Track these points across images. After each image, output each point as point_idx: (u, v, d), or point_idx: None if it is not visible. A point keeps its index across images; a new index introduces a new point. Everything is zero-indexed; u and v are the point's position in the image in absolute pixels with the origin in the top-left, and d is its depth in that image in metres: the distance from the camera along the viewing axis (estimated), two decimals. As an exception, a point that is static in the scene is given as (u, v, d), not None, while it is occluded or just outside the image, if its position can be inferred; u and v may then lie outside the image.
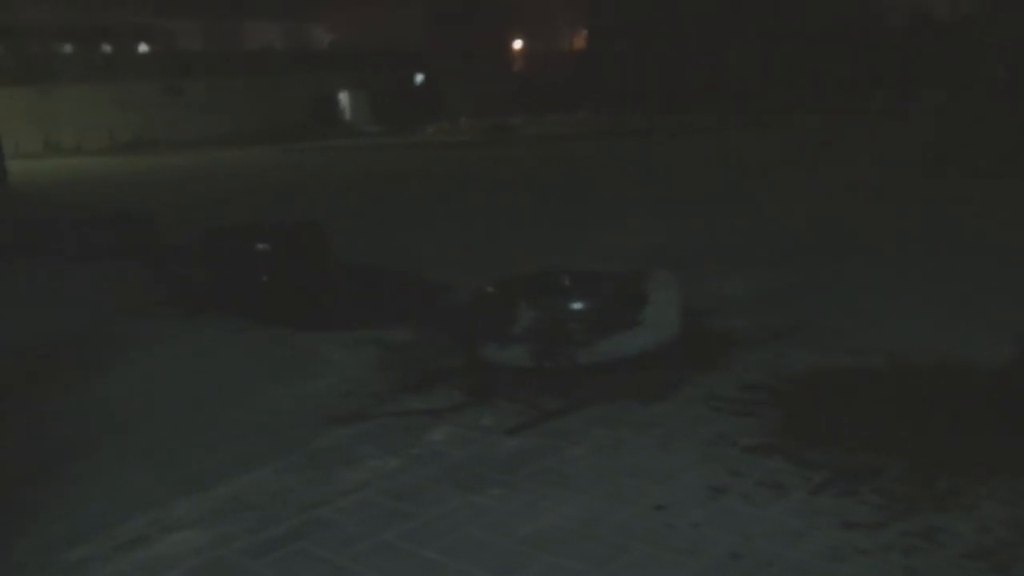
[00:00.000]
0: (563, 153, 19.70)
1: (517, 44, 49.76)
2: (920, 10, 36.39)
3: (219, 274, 6.39)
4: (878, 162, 13.58)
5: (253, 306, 5.94)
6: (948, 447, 3.28)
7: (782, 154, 16.57)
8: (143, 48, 41.10)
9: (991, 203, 8.84)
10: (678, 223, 8.78)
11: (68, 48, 37.98)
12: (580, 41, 49.13)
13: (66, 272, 8.07)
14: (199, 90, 35.57)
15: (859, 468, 3.16)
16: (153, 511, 3.20)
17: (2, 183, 15.23)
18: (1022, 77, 29.13)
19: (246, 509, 3.16)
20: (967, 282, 5.80)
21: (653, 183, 13.05)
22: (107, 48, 38.91)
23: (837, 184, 11.22)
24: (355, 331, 5.32)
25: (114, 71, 35.68)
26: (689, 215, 9.32)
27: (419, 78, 38.38)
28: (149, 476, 3.55)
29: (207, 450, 3.75)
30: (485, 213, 10.66)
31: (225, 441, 3.84)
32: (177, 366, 5.15)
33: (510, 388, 4.18)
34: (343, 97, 36.94)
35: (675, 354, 4.52)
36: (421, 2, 45.04)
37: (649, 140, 21.47)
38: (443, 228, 9.55)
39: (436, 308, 5.78)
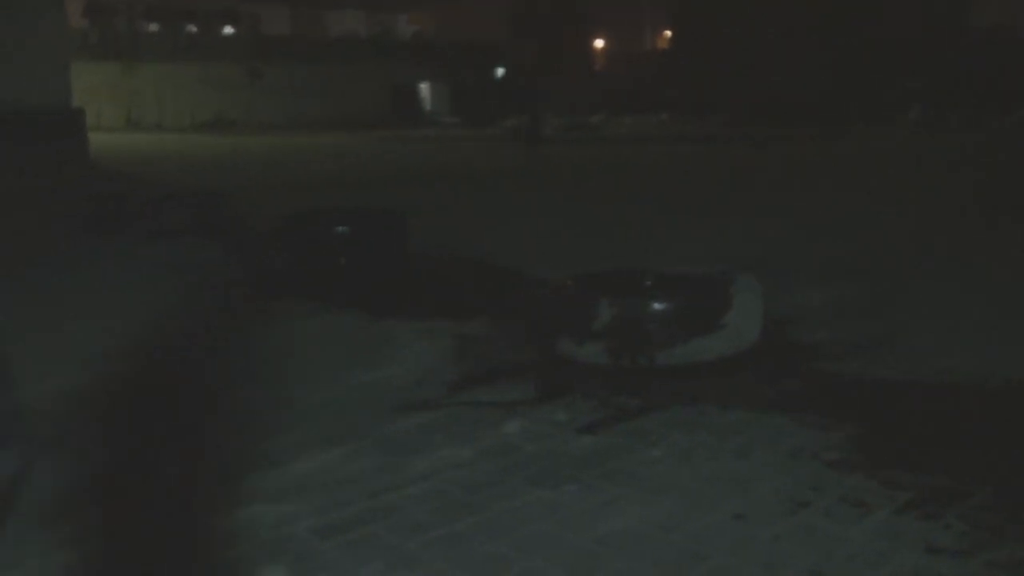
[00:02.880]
0: (641, 154, 19.56)
1: (599, 43, 49.58)
2: (1005, 21, 35.54)
3: (296, 257, 6.42)
4: (961, 177, 13.24)
5: (329, 290, 5.96)
6: (1038, 476, 3.14)
7: (866, 166, 16.25)
8: (228, 30, 41.73)
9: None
10: (756, 230, 8.62)
11: (154, 27, 38.71)
12: (663, 42, 48.79)
13: (144, 249, 8.17)
14: (281, 74, 36.00)
15: (944, 491, 3.03)
16: (224, 484, 3.20)
17: (84, 156, 15.52)
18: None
19: (315, 489, 3.13)
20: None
21: (732, 189, 12.87)
22: (192, 29, 39.57)
23: (923, 198, 10.94)
24: (430, 320, 5.30)
25: (198, 51, 36.27)
26: (767, 223, 9.16)
27: (500, 72, 38.40)
28: (221, 449, 3.55)
29: (278, 429, 3.75)
30: (562, 209, 10.60)
31: (296, 421, 3.83)
32: (250, 345, 5.17)
33: (586, 385, 4.11)
34: (423, 88, 37.13)
35: (756, 361, 4.41)
36: (507, -1, 45.15)
37: (728, 146, 21.21)
38: (521, 222, 9.50)
39: (513, 301, 5.73)
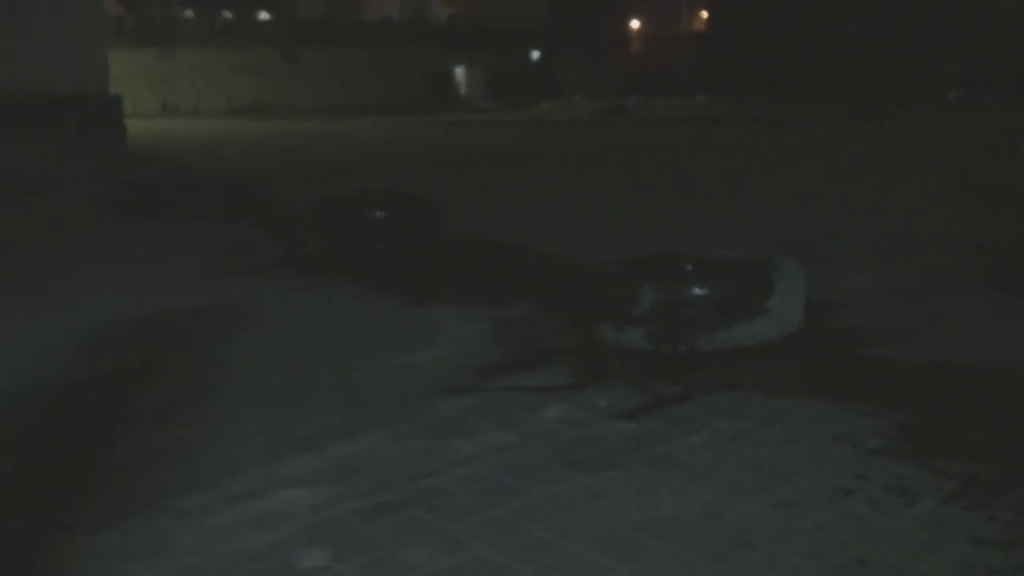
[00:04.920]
0: (679, 137, 19.43)
1: (635, 24, 49.24)
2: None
3: (334, 240, 6.44)
4: (1007, 160, 13.03)
5: (367, 274, 5.97)
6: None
7: (910, 149, 16.05)
8: (264, 16, 41.87)
9: None
10: (796, 213, 8.55)
11: (189, 13, 38.90)
12: (700, 23, 48.39)
13: (181, 232, 8.22)
14: (316, 59, 36.07)
15: (990, 480, 2.99)
16: (265, 466, 3.22)
17: (121, 142, 15.64)
18: None
19: (358, 472, 3.14)
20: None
21: (771, 171, 12.75)
22: (228, 14, 39.73)
23: (970, 182, 10.79)
24: (470, 304, 5.30)
25: (234, 37, 36.43)
26: (808, 206, 9.07)
27: (535, 55, 38.26)
28: (262, 432, 3.57)
29: (319, 411, 3.76)
30: (601, 192, 10.56)
31: (337, 404, 3.84)
32: (290, 329, 5.19)
33: (626, 370, 4.10)
34: (458, 72, 37.08)
35: (798, 347, 4.38)
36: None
37: (767, 128, 21.02)
38: (559, 205, 9.48)
39: (553, 285, 5.72)
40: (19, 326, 5.29)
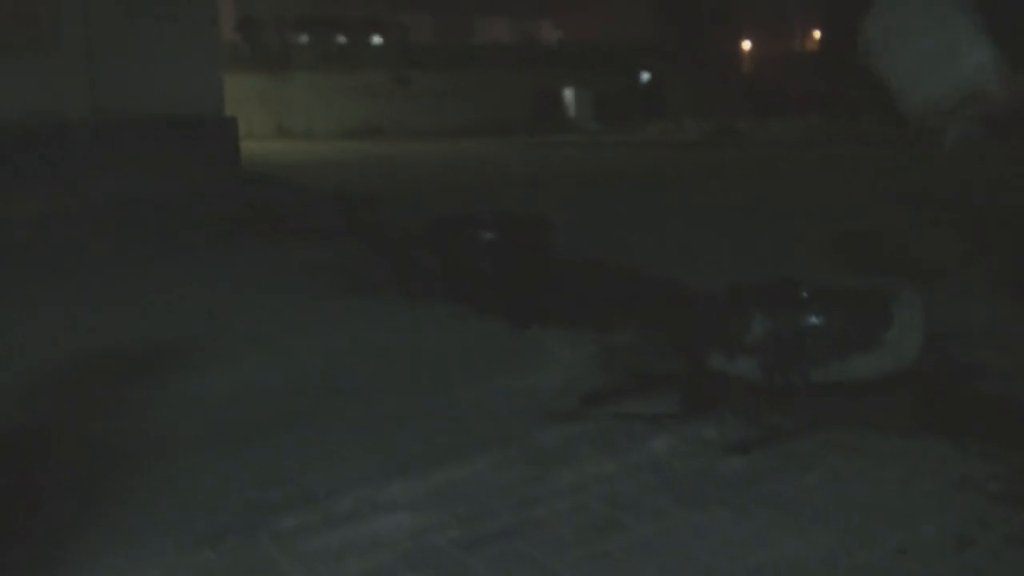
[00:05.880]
0: (791, 158, 19.02)
1: (746, 45, 48.62)
2: None
3: (443, 260, 6.45)
4: None
5: (475, 295, 5.96)
6: None
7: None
8: (376, 40, 42.64)
9: None
10: (919, 238, 8.23)
11: (303, 38, 39.84)
12: (812, 43, 47.50)
13: (292, 249, 8.36)
14: (427, 82, 36.55)
15: None
16: (365, 489, 3.19)
17: (236, 162, 16.07)
18: None
19: (460, 499, 3.10)
20: None
21: (891, 192, 12.34)
22: (341, 39, 40.56)
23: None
24: (576, 327, 5.23)
25: (346, 61, 37.16)
26: (931, 232, 8.73)
27: (644, 77, 38.05)
28: (363, 453, 3.55)
29: (422, 434, 3.74)
30: (710, 215, 10.37)
31: (440, 427, 3.81)
32: (396, 347, 5.20)
33: (736, 401, 3.96)
34: (567, 93, 37.10)
35: (916, 381, 4.18)
36: (650, 2, 44.72)
37: (885, 148, 20.43)
38: (669, 228, 9.33)
39: (661, 309, 5.61)
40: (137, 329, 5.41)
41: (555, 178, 16.12)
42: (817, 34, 46.29)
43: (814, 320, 4.04)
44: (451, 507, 3.03)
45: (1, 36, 13.03)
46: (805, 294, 4.25)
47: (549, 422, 3.80)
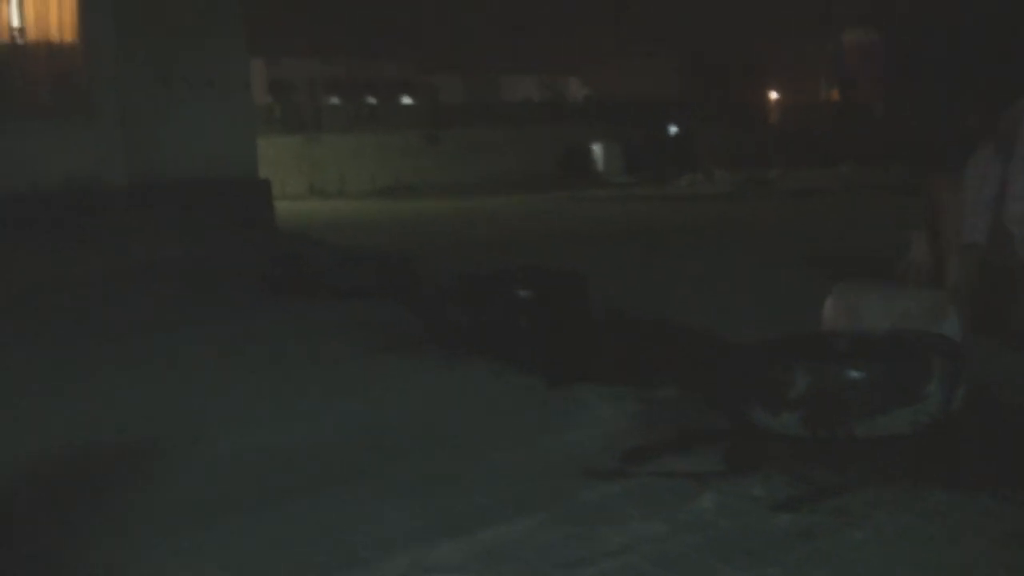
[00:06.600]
0: (824, 208, 18.95)
1: (773, 95, 48.83)
2: None
3: (478, 318, 6.46)
4: None
5: (512, 352, 5.96)
6: None
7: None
8: (405, 100, 43.27)
9: None
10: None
11: (335, 100, 40.52)
12: (838, 94, 47.61)
13: (325, 309, 8.41)
14: (456, 139, 36.93)
15: None
16: (414, 550, 3.19)
17: (270, 223, 16.26)
18: None
19: (509, 560, 3.09)
20: None
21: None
22: (371, 100, 41.22)
23: None
24: (616, 383, 5.21)
25: (377, 121, 37.67)
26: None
27: (672, 129, 38.22)
28: (406, 514, 3.55)
29: (465, 493, 3.73)
30: (744, 268, 10.32)
31: (483, 486, 3.81)
32: (433, 406, 5.21)
33: (780, 457, 3.93)
34: (596, 148, 37.30)
35: (960, 433, 4.13)
36: (677, 56, 45.14)
37: (915, 198, 20.30)
38: (703, 281, 9.28)
39: (701, 365, 5.58)
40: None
41: (587, 232, 16.15)
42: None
43: (857, 374, 4.02)
44: (501, 568, 3.03)
45: (39, 103, 13.42)
46: (847, 347, 4.24)
47: (592, 480, 3.79)
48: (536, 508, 3.52)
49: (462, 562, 3.09)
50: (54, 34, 13.79)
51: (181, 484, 4.02)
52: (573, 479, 3.81)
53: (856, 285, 5.53)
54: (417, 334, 6.98)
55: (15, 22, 13.51)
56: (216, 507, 3.71)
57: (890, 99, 36.48)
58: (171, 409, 5.32)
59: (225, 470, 4.18)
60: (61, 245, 11.59)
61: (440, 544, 3.24)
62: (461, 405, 5.18)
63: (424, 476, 3.98)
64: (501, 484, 3.82)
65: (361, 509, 3.62)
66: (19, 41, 13.46)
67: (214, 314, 8.43)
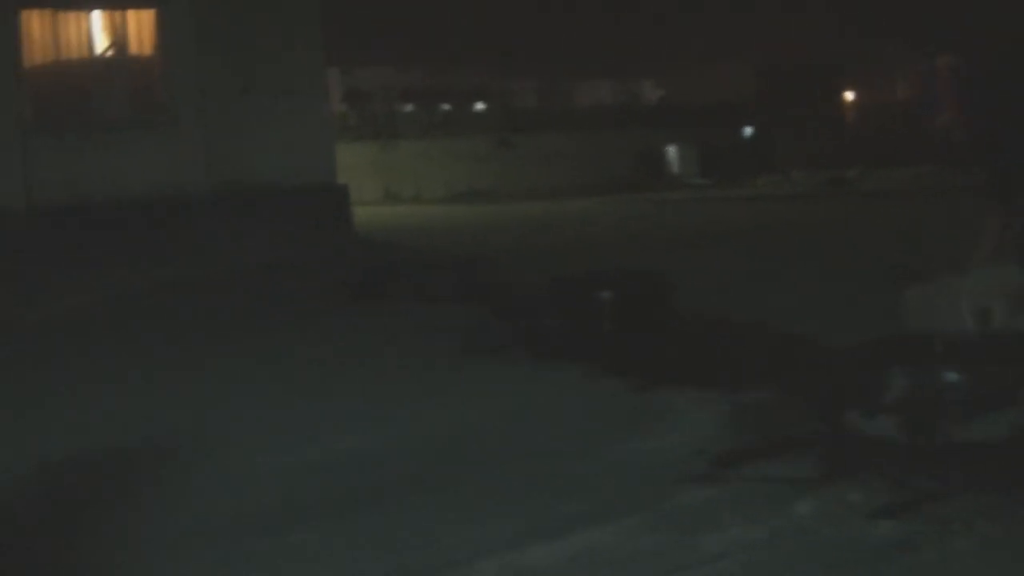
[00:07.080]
0: (905, 209, 18.52)
1: (849, 95, 47.92)
2: None
3: (564, 321, 6.46)
4: None
5: (598, 355, 5.93)
6: None
7: None
8: (479, 106, 43.38)
9: None
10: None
11: (409, 107, 40.81)
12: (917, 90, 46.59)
13: (409, 313, 8.43)
14: (531, 144, 36.96)
15: None
16: (505, 554, 3.19)
17: (349, 228, 16.44)
18: None
19: (603, 564, 3.07)
20: None
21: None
22: (446, 106, 41.42)
23: None
24: (706, 387, 5.15)
25: (451, 128, 37.88)
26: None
27: (748, 131, 37.79)
28: (498, 518, 3.56)
29: (555, 498, 3.72)
30: (831, 267, 10.10)
31: (574, 490, 3.80)
32: (520, 410, 5.21)
33: (877, 462, 3.84)
34: (670, 150, 37.06)
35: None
36: (752, 56, 44.57)
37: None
38: (789, 282, 9.09)
39: (793, 367, 5.48)
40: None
41: (667, 235, 15.99)
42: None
43: (954, 377, 3.91)
44: (596, 573, 3.00)
45: (123, 116, 13.81)
46: (945, 349, 4.13)
47: (686, 485, 3.75)
48: (628, 513, 3.49)
49: (557, 566, 3.08)
50: (134, 49, 14.23)
51: (273, 491, 4.08)
52: (664, 484, 3.78)
53: (938, 285, 5.33)
54: (501, 338, 6.98)
55: (97, 39, 13.95)
56: (307, 511, 3.77)
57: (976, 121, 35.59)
58: (258, 412, 5.39)
59: (312, 476, 4.23)
60: (144, 251, 11.90)
61: (533, 548, 3.23)
62: (547, 409, 5.17)
63: (512, 480, 3.98)
64: (591, 488, 3.81)
65: (450, 513, 3.64)
66: (102, 57, 13.89)
67: (296, 320, 8.52)
